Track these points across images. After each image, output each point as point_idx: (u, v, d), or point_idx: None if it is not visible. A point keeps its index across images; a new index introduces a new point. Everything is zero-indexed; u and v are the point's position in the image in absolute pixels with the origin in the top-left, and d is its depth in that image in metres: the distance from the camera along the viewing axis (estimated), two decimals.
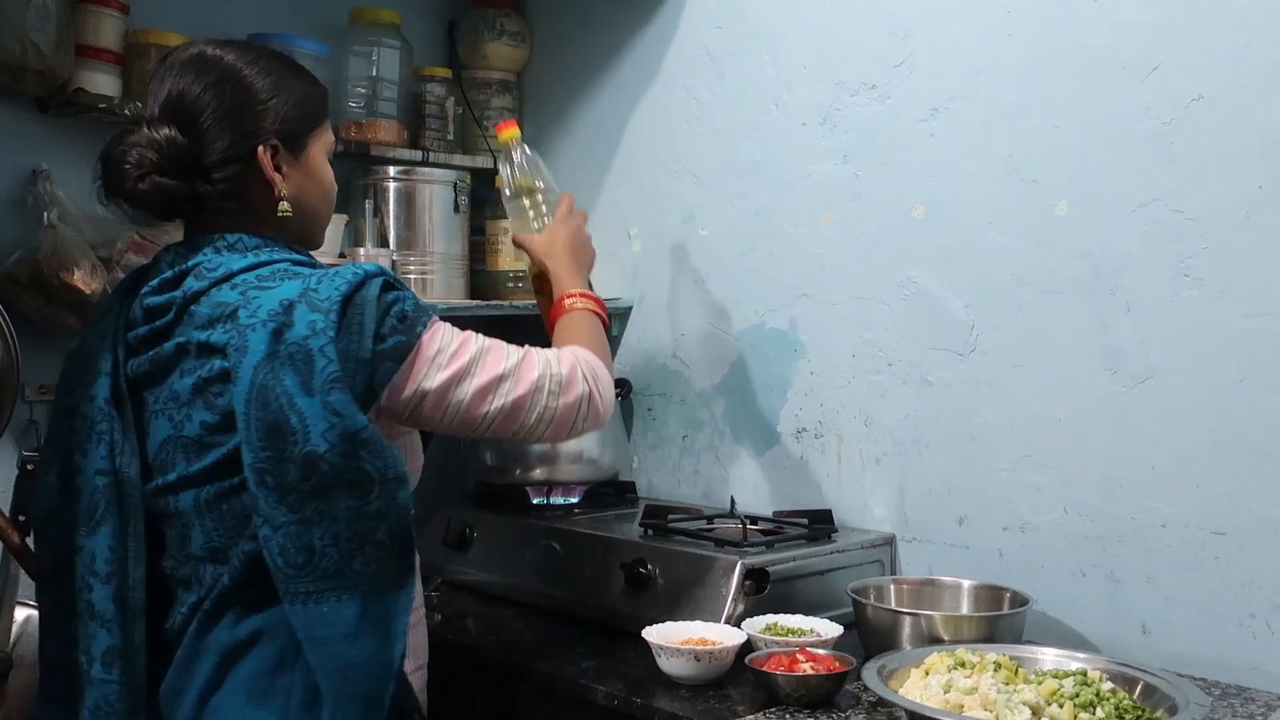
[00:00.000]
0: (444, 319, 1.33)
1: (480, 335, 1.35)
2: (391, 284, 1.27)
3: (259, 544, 1.21)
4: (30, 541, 1.44)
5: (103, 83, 1.93)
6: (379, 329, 1.23)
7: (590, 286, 1.64)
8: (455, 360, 1.29)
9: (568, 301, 1.57)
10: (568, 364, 1.38)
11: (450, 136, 2.43)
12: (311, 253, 1.41)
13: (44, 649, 1.34)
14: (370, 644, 1.20)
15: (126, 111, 1.93)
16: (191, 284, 1.27)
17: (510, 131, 1.75)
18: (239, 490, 1.23)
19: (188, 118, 1.28)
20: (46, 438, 1.37)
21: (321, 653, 1.19)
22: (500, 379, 1.32)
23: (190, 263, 1.29)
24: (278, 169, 1.33)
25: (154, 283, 1.31)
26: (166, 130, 1.27)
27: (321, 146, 1.40)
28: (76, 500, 1.29)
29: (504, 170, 1.75)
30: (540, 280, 1.69)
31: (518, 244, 1.71)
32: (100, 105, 1.91)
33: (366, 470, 1.20)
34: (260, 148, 1.31)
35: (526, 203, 1.71)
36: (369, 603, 1.20)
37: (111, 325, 1.33)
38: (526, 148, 1.74)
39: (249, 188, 1.33)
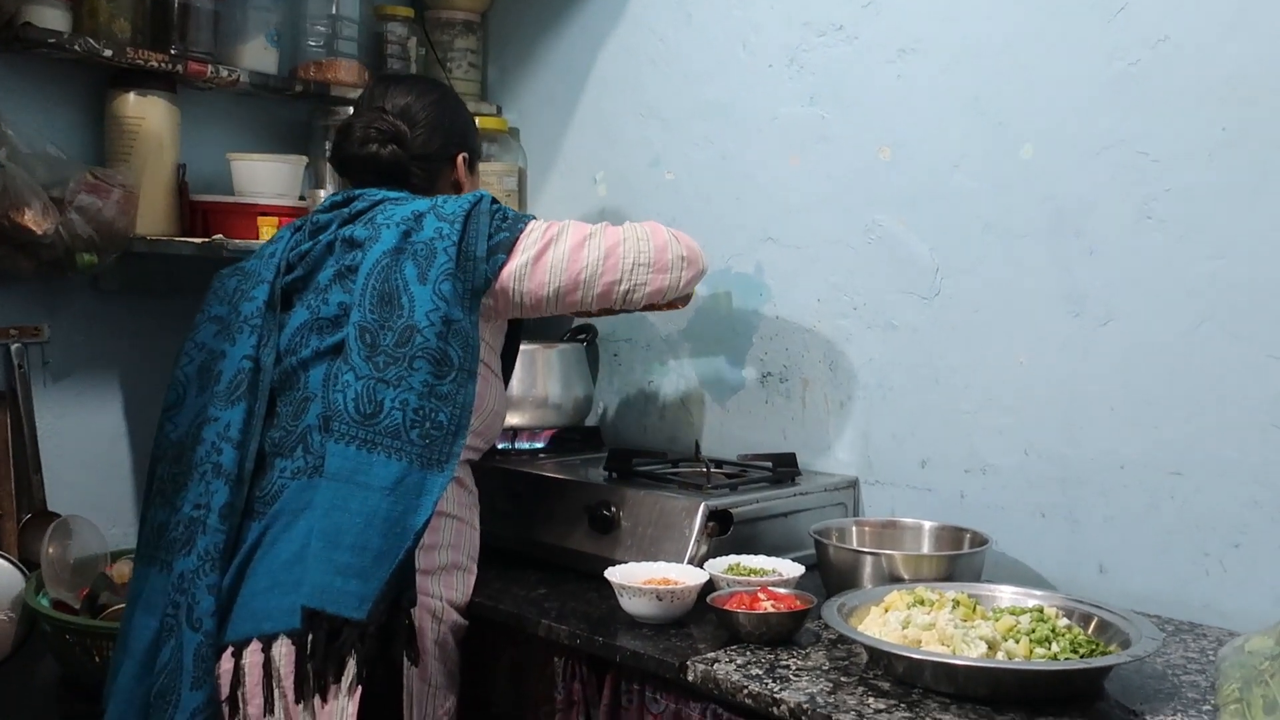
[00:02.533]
0: None
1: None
2: (496, 200, 1.59)
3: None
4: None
5: (51, 17, 1.87)
6: (490, 231, 1.53)
7: None
8: (547, 233, 1.56)
9: None
10: (646, 223, 1.63)
11: None
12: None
13: (150, 518, 1.55)
14: (402, 505, 1.38)
15: (77, 47, 1.88)
16: (356, 205, 1.60)
17: None
18: None
19: (414, 119, 1.69)
20: (192, 338, 1.62)
21: (354, 496, 1.38)
22: (589, 235, 1.57)
23: (357, 191, 1.64)
24: (464, 174, 1.75)
25: (324, 203, 1.65)
26: (400, 123, 1.68)
27: (479, 172, 1.84)
28: (215, 382, 1.53)
29: None
30: None
31: None
32: (49, 40, 1.85)
33: (450, 354, 1.45)
34: (460, 155, 1.74)
35: None
36: (412, 471, 1.40)
37: (281, 249, 1.61)
38: None
39: (439, 180, 1.73)
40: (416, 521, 1.39)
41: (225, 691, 1.40)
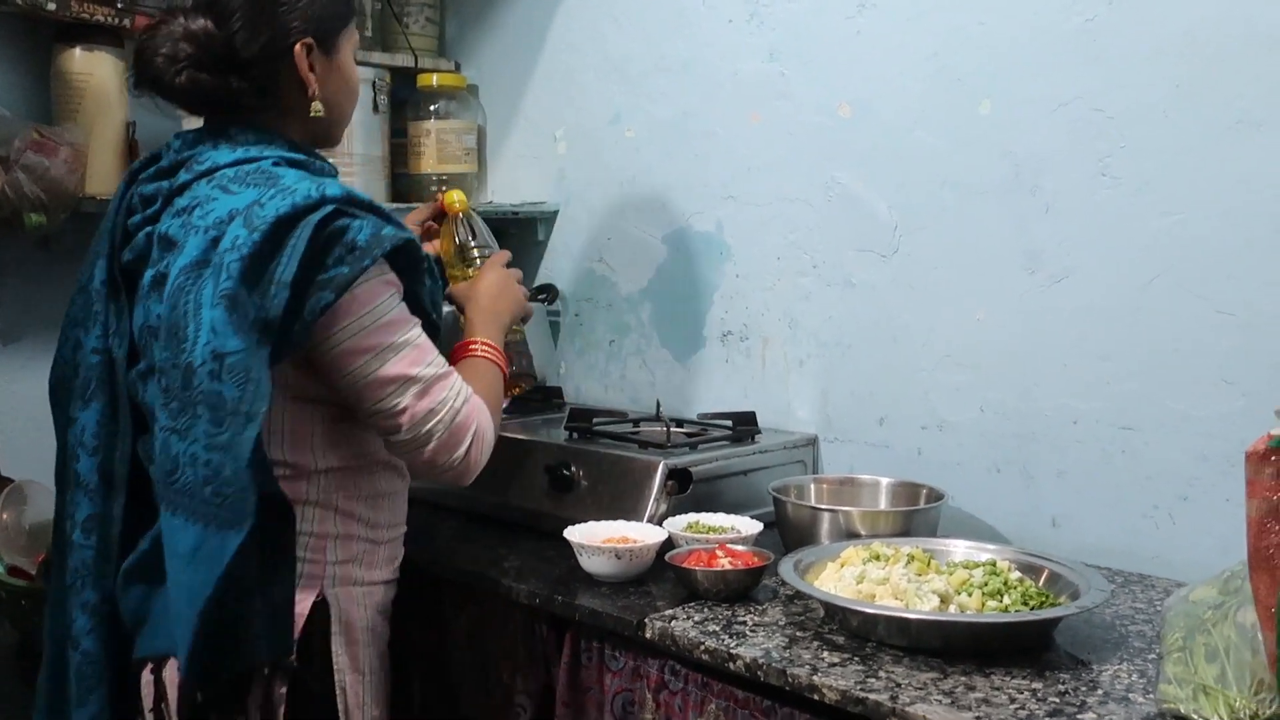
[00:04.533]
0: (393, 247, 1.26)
1: (417, 327, 1.31)
2: (346, 211, 1.23)
3: None
4: None
5: None
6: (322, 257, 1.21)
7: (508, 337, 1.57)
8: (382, 333, 1.26)
9: (473, 346, 1.48)
10: (467, 413, 1.32)
11: (369, 33, 2.34)
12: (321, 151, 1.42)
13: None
14: (201, 574, 1.18)
15: (19, 1, 1.83)
16: (182, 176, 1.31)
17: (458, 197, 1.67)
18: None
19: (223, 11, 1.29)
20: (67, 312, 1.41)
21: (169, 564, 1.21)
22: (410, 379, 1.28)
23: (187, 154, 1.33)
24: (311, 68, 1.34)
25: (150, 170, 1.36)
26: (202, 21, 1.29)
27: (350, 45, 1.41)
28: (74, 374, 1.37)
29: (451, 236, 1.66)
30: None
31: (449, 297, 1.61)
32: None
33: (225, 395, 1.18)
34: (298, 46, 1.32)
35: (466, 263, 1.65)
36: (208, 535, 1.18)
37: (113, 209, 1.37)
38: (474, 215, 1.68)
39: (282, 87, 1.34)
40: (209, 593, 1.18)
41: (149, 703, 1.31)
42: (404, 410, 1.28)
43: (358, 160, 2.25)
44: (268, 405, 1.19)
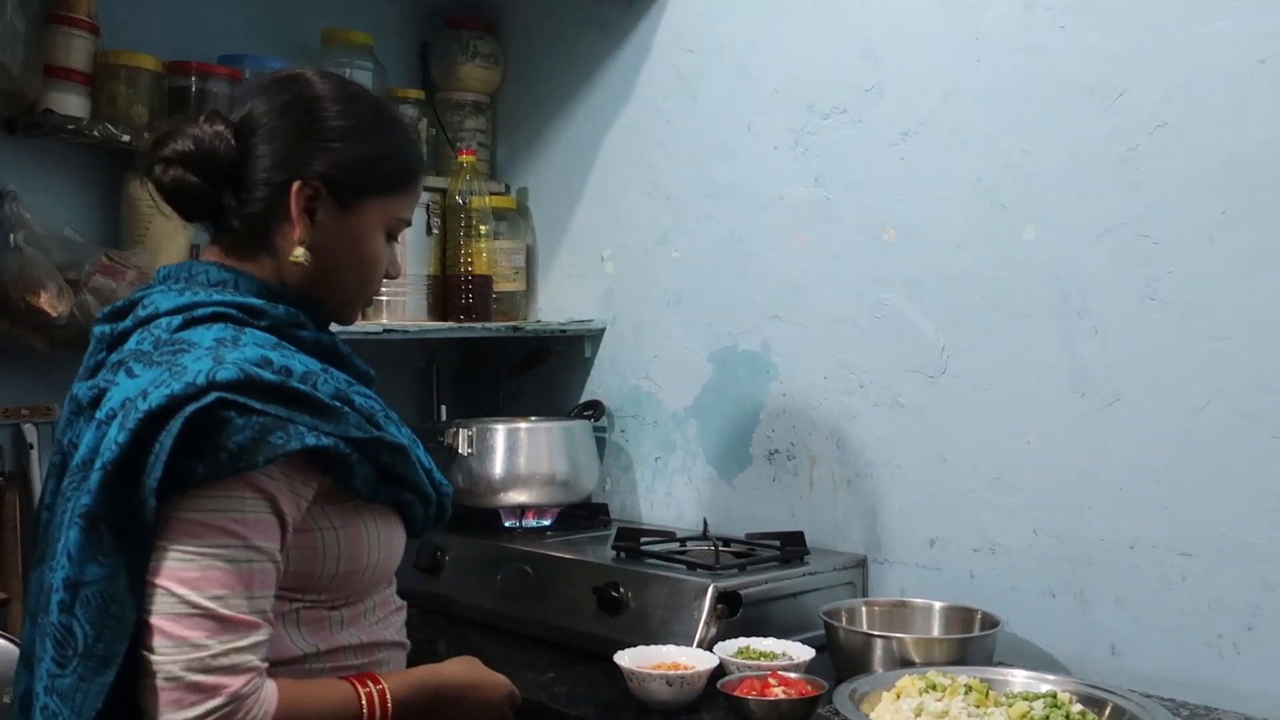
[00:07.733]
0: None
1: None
2: (234, 403, 1.02)
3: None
4: None
5: (72, 104, 1.92)
6: (192, 447, 1.01)
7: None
8: (206, 555, 1.03)
9: (371, 687, 1.17)
10: (212, 679, 1.01)
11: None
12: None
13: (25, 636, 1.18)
14: None
15: (95, 133, 1.92)
16: (126, 323, 1.17)
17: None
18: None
19: (246, 127, 1.20)
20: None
21: None
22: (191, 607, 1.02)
23: (139, 294, 1.19)
24: (311, 213, 1.20)
25: (105, 310, 1.22)
26: (219, 128, 1.19)
27: (380, 216, 1.25)
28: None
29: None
30: None
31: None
32: (69, 126, 1.90)
33: (74, 632, 0.99)
34: (297, 183, 1.19)
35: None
36: None
37: (88, 353, 1.23)
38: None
39: (273, 221, 1.20)
40: None
41: None
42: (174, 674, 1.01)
43: (409, 280, 2.31)
44: (127, 644, 0.99)
